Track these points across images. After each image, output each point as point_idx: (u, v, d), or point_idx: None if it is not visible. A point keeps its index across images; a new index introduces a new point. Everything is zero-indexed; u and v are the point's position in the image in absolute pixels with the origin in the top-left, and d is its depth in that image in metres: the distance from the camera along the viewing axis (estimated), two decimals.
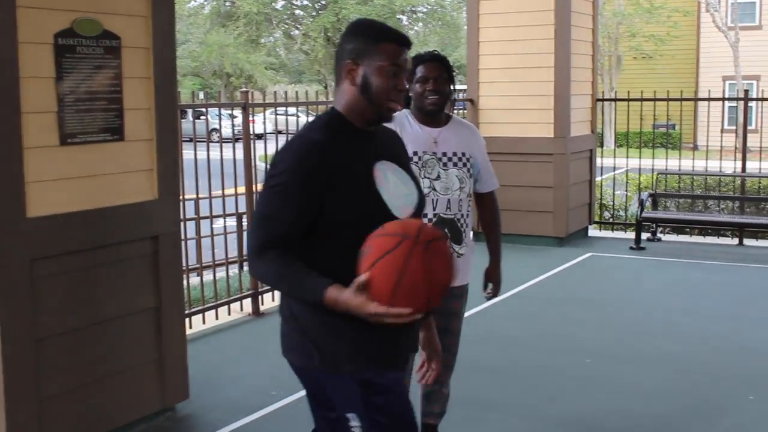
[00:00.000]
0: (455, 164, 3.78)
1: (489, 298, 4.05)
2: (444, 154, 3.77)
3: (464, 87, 10.48)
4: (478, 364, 5.54)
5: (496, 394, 5.17)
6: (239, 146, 7.02)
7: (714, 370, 5.65)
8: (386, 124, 2.73)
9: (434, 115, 3.78)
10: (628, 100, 10.64)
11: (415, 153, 3.70)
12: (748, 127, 27.06)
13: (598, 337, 6.41)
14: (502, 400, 5.06)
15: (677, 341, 6.27)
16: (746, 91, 11.03)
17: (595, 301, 7.48)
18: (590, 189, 10.46)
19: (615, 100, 10.75)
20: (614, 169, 11.90)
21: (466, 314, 3.90)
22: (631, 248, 9.76)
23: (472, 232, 3.99)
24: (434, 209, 3.74)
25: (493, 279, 4.01)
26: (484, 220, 4.04)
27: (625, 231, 10.89)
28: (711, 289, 7.97)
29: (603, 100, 10.76)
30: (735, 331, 6.56)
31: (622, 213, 11.56)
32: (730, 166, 11.09)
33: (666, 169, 10.76)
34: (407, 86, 3.63)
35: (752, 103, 27.00)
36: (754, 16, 30.33)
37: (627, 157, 11.43)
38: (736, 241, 10.17)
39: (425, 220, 3.69)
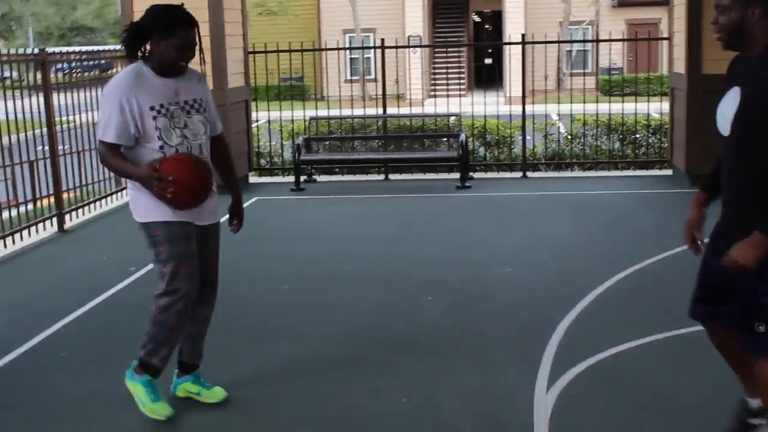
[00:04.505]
0: (197, 110, 3.98)
1: (235, 232, 4.38)
2: (186, 102, 3.94)
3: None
4: None
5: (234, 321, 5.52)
6: None
7: (393, 280, 6.48)
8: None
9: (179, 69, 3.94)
10: (278, 51, 11.26)
11: (162, 105, 3.84)
12: (368, 77, 28.73)
13: (291, 266, 7.00)
14: (234, 322, 5.44)
15: (356, 262, 7.04)
16: (383, 40, 12.07)
17: (273, 238, 8.02)
18: (248, 138, 10.99)
19: (266, 52, 11.29)
20: (268, 120, 12.50)
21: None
22: (292, 190, 10.47)
23: None
24: None
25: (238, 214, 4.35)
26: (221, 162, 4.25)
27: (283, 175, 11.59)
28: (369, 218, 8.91)
29: (255, 52, 11.28)
30: (399, 248, 7.47)
31: (276, 159, 12.21)
32: (361, 113, 12.14)
33: (316, 116, 11.54)
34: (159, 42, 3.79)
35: (369, 54, 29.27)
36: None
37: (274, 109, 12.09)
38: (382, 176, 11.26)
39: None
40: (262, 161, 12.13)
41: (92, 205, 9.47)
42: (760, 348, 3.21)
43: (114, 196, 9.95)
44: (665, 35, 11.78)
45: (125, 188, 9.84)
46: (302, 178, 10.88)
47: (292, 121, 12.24)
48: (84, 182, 9.71)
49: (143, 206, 3.96)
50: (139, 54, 3.92)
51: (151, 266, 6.49)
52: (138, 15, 9.51)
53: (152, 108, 3.83)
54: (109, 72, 11.81)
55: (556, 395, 4.26)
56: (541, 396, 4.26)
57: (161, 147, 3.88)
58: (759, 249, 3.10)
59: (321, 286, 6.42)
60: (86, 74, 9.94)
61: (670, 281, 6.09)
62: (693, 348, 4.47)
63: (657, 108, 13.81)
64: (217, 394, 4.27)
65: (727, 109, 3.19)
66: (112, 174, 10.01)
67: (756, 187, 3.13)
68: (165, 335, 4.03)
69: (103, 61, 11.33)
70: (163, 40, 3.81)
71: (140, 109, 3.81)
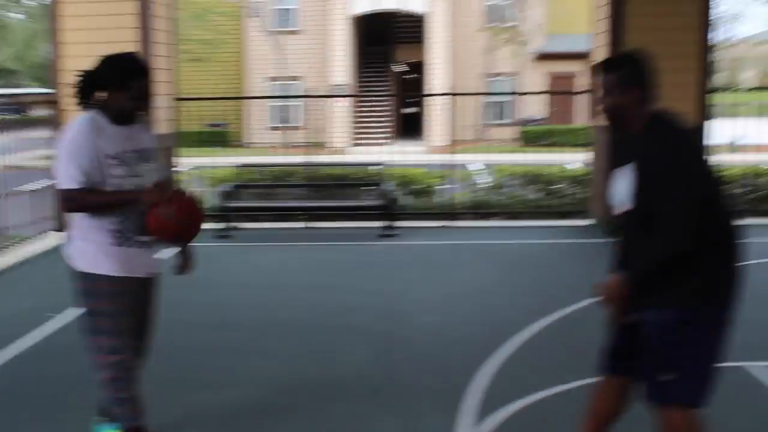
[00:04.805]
0: (148, 159, 3.97)
1: (180, 274, 4.28)
2: (142, 150, 3.93)
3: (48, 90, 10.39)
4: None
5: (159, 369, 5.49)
6: None
7: (317, 329, 6.53)
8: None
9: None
10: (209, 99, 11.31)
11: (119, 154, 3.81)
12: (291, 125, 28.78)
13: (216, 314, 7.00)
14: (159, 370, 5.41)
15: (280, 311, 7.08)
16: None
17: (199, 285, 7.83)
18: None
19: (194, 99, 11.32)
20: (195, 167, 12.51)
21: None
22: (219, 237, 10.46)
23: None
24: None
25: (186, 256, 4.25)
26: None
27: (208, 222, 11.55)
28: (294, 266, 8.96)
29: (183, 99, 11.28)
30: (324, 297, 7.53)
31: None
32: (288, 160, 12.22)
33: (242, 163, 11.58)
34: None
35: (296, 102, 29.47)
36: (295, 21, 32.70)
37: (198, 155, 12.09)
38: (304, 224, 11.33)
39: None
40: None
41: (6, 252, 9.30)
42: (667, 396, 3.36)
43: (30, 241, 9.79)
44: (585, 88, 12.16)
45: (44, 232, 9.77)
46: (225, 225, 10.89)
47: (216, 167, 12.25)
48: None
49: (90, 257, 3.90)
50: (90, 102, 3.87)
51: (72, 313, 6.48)
52: (67, 60, 9.72)
53: (111, 157, 3.80)
54: (27, 115, 11.71)
55: None
56: None
57: None
58: (619, 287, 3.37)
59: (245, 335, 6.42)
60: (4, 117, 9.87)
61: (589, 329, 6.21)
62: None
63: (579, 158, 14.18)
64: None
65: (624, 185, 3.40)
66: (32, 218, 9.89)
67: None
68: (126, 392, 3.97)
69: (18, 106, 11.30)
70: (121, 91, 3.77)
71: (100, 158, 3.76)
